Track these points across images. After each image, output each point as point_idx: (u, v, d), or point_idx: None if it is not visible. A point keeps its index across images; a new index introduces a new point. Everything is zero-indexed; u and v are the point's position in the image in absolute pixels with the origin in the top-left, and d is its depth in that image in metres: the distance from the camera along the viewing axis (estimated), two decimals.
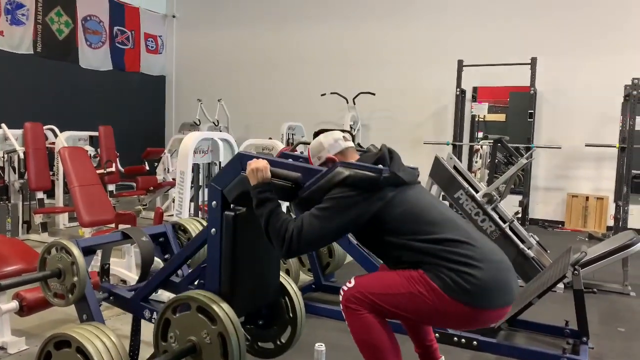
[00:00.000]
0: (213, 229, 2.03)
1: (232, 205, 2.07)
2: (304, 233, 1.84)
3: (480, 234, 2.01)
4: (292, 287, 2.37)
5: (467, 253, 1.83)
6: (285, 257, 1.99)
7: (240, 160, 2.06)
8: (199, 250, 2.22)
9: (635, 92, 4.63)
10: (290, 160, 2.12)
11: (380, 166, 1.93)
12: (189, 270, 2.47)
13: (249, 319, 2.36)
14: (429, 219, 1.91)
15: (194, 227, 2.72)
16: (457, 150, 7.09)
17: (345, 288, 1.95)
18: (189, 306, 1.94)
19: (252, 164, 1.96)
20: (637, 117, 4.92)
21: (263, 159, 2.00)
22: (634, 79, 4.67)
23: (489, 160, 6.65)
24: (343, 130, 2.23)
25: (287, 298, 2.35)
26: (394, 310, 1.89)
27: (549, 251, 4.31)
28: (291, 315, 2.34)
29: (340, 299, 1.96)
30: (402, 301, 1.86)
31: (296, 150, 5.71)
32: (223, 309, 1.89)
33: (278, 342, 2.37)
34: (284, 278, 2.37)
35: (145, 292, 2.31)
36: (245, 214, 2.04)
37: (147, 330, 2.61)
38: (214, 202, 2.05)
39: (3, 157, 5.45)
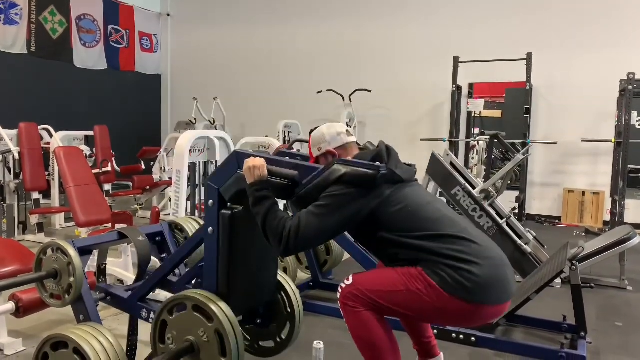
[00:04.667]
0: (210, 228, 2.03)
1: (229, 205, 2.06)
2: (302, 231, 1.83)
3: (478, 231, 2.00)
4: (287, 283, 2.36)
5: (464, 249, 1.83)
6: (282, 255, 1.98)
7: (237, 159, 2.05)
8: (196, 249, 2.21)
9: (630, 87, 4.62)
10: (287, 159, 2.11)
11: (378, 163, 1.92)
12: (187, 270, 2.46)
13: (246, 319, 2.35)
14: (425, 216, 1.91)
15: (191, 226, 2.71)
16: (453, 146, 7.09)
17: (344, 285, 1.95)
18: (185, 306, 1.93)
19: (249, 162, 1.95)
20: (632, 111, 4.91)
21: (260, 157, 2.00)
22: (629, 73, 4.66)
23: (485, 156, 6.64)
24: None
25: (283, 294, 2.35)
26: (392, 307, 1.89)
27: (546, 247, 4.32)
28: (289, 310, 2.34)
29: (338, 296, 1.95)
30: (400, 299, 1.86)
31: (292, 148, 5.71)
32: (219, 307, 1.88)
33: (278, 339, 2.36)
34: (279, 274, 2.37)
35: (142, 292, 2.30)
36: (242, 212, 2.03)
37: (145, 329, 2.61)
38: (210, 201, 2.05)
39: None
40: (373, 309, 1.89)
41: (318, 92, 8.05)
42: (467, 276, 1.79)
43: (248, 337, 2.39)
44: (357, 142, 2.22)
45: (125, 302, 2.35)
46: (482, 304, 1.83)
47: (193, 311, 1.90)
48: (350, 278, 1.96)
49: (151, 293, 2.42)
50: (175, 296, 1.97)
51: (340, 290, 1.96)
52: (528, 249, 4.04)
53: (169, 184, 6.37)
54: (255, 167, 1.94)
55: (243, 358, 1.87)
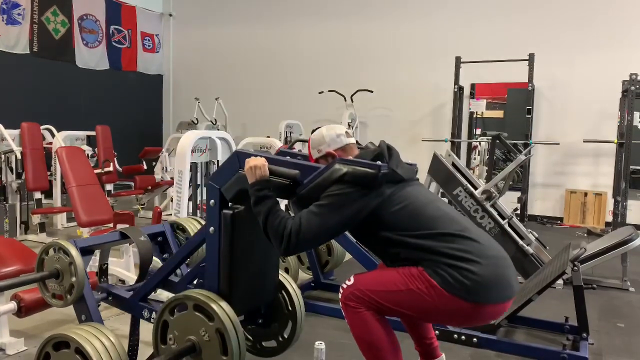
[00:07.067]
0: (211, 228, 2.03)
1: (230, 204, 2.06)
2: (302, 231, 1.83)
3: (480, 230, 2.00)
4: (288, 282, 2.37)
5: (464, 248, 1.83)
6: (284, 254, 1.99)
7: (238, 158, 2.06)
8: (197, 249, 2.21)
9: (633, 88, 4.61)
10: (288, 158, 2.11)
11: (379, 162, 1.92)
12: (188, 270, 2.46)
13: (248, 318, 2.35)
14: (427, 215, 1.91)
15: (193, 227, 2.71)
16: (455, 147, 7.08)
17: (345, 286, 1.95)
18: (186, 306, 1.93)
19: (251, 162, 1.96)
20: (635, 112, 4.92)
21: (261, 156, 2.00)
22: (631, 74, 4.65)
23: (487, 156, 6.64)
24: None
25: (284, 293, 2.35)
26: (393, 307, 1.89)
27: (548, 247, 4.32)
28: (290, 309, 2.34)
29: (340, 296, 1.96)
30: (401, 299, 1.86)
31: (294, 148, 5.71)
32: (220, 306, 1.88)
33: (280, 339, 2.36)
34: (280, 274, 2.37)
35: (144, 292, 2.30)
36: (244, 212, 2.03)
37: (146, 329, 2.61)
38: (212, 201, 2.05)
39: (0, 157, 5.43)
40: (374, 309, 1.89)
41: (320, 93, 8.06)
42: (468, 275, 1.78)
43: (250, 337, 2.39)
44: (357, 142, 2.22)
45: (127, 302, 2.35)
46: (483, 303, 1.82)
47: (194, 311, 1.91)
48: (352, 278, 1.96)
49: (153, 293, 2.42)
50: (176, 296, 1.97)
51: (341, 290, 1.96)
52: (530, 249, 4.03)
53: (170, 184, 6.38)
54: (257, 166, 1.94)
55: (244, 357, 1.87)
